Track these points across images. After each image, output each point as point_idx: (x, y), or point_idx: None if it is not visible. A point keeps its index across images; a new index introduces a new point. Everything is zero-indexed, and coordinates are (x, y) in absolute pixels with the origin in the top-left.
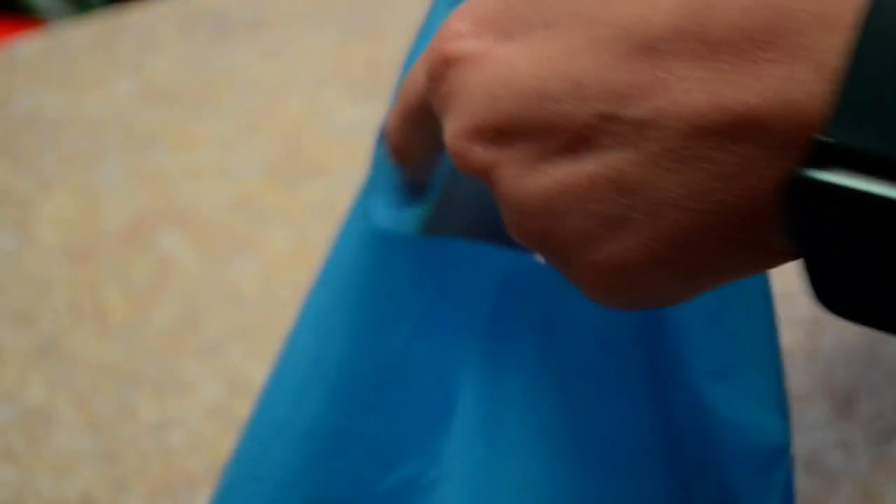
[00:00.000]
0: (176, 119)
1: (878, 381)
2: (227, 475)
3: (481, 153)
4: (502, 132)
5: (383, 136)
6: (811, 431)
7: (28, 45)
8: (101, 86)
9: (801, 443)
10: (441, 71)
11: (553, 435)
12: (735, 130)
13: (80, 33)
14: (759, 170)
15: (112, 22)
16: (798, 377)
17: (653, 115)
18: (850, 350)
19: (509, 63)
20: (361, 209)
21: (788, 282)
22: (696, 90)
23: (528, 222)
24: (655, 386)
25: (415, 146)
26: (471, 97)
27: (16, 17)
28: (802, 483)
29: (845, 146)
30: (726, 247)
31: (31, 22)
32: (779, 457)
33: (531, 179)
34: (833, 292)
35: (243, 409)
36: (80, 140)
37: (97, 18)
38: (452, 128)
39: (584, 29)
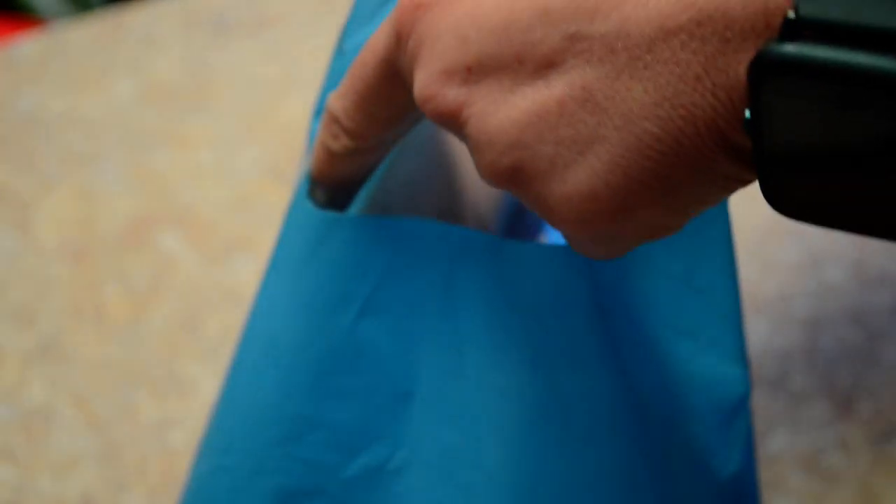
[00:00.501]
0: (176, 119)
1: (878, 381)
2: (197, 466)
3: (451, 95)
4: (472, 70)
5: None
6: (811, 431)
7: (28, 45)
8: (101, 86)
9: (801, 443)
10: (410, 22)
11: (519, 412)
12: (699, 26)
13: (80, 33)
14: (723, 65)
15: (112, 22)
16: (798, 377)
17: (620, 24)
18: (850, 350)
19: (476, 2)
20: (303, 193)
21: (788, 283)
22: None
23: (500, 159)
24: (614, 351)
25: (369, 122)
26: (440, 41)
27: (16, 17)
28: (802, 483)
29: (810, 18)
30: (696, 155)
31: (31, 22)
32: (740, 406)
33: (501, 113)
34: (785, 187)
35: None
36: (80, 140)
37: (97, 18)
38: (422, 75)
39: None
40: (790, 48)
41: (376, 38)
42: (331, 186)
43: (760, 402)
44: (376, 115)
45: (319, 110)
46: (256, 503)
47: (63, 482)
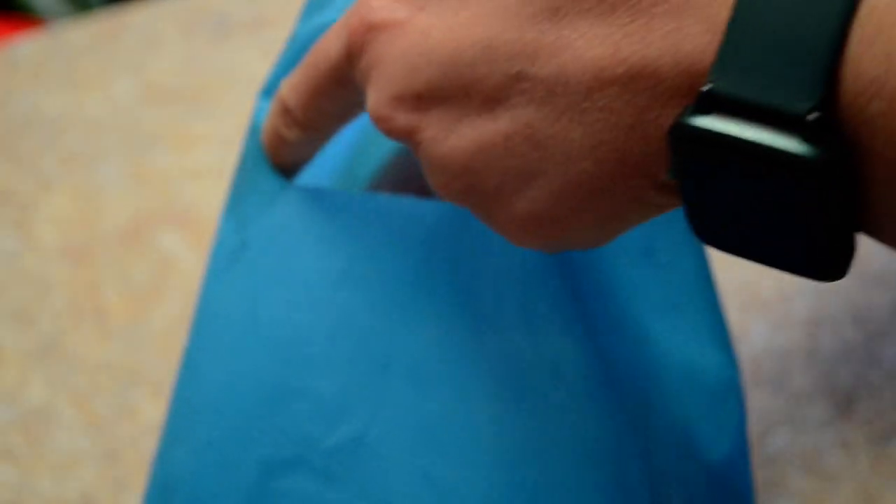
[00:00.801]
0: (176, 119)
1: (878, 381)
2: (170, 451)
3: (403, 119)
4: (421, 98)
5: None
6: (811, 431)
7: (28, 45)
8: (101, 86)
9: (801, 443)
10: (361, 42)
11: (501, 379)
12: (632, 80)
13: (80, 33)
14: (653, 118)
15: (112, 22)
16: (798, 377)
17: (559, 70)
18: (850, 350)
19: (425, 31)
20: (260, 169)
21: (788, 283)
22: (597, 45)
23: (451, 182)
24: (590, 327)
25: (321, 117)
26: (391, 67)
27: (16, 17)
28: (802, 483)
29: (722, 93)
30: (629, 190)
31: (31, 22)
32: (727, 391)
33: (451, 141)
34: (707, 225)
35: None
36: (80, 140)
37: (97, 18)
38: (374, 97)
39: None
40: (700, 121)
41: (329, 43)
42: (281, 167)
43: (760, 402)
44: (328, 111)
45: (269, 90)
46: (244, 475)
47: (63, 482)
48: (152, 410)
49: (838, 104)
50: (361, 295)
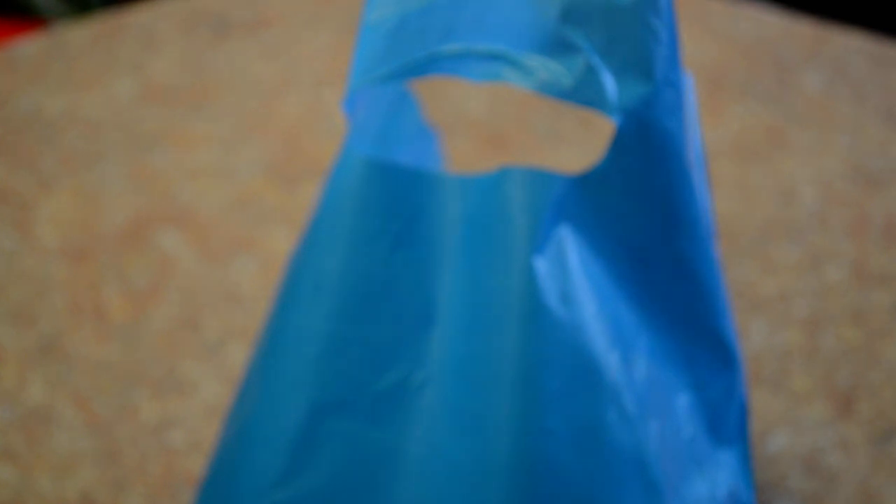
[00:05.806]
0: (176, 119)
1: (878, 381)
2: (246, 395)
3: None
4: None
5: None
6: (811, 431)
7: (28, 45)
8: (101, 86)
9: (801, 443)
10: None
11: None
12: None
13: (80, 33)
14: None
15: (112, 22)
16: (798, 377)
17: None
18: (850, 350)
19: None
20: (350, 141)
21: (788, 283)
22: None
23: None
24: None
25: None
26: None
27: (16, 18)
28: (802, 483)
29: None
30: None
31: (31, 22)
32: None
33: None
34: None
35: None
36: (80, 140)
37: (97, 18)
38: None
39: None
40: None
41: None
42: None
43: (760, 402)
44: None
45: (354, 85)
46: (296, 416)
47: (63, 482)
48: (152, 410)
49: None
50: (410, 255)
